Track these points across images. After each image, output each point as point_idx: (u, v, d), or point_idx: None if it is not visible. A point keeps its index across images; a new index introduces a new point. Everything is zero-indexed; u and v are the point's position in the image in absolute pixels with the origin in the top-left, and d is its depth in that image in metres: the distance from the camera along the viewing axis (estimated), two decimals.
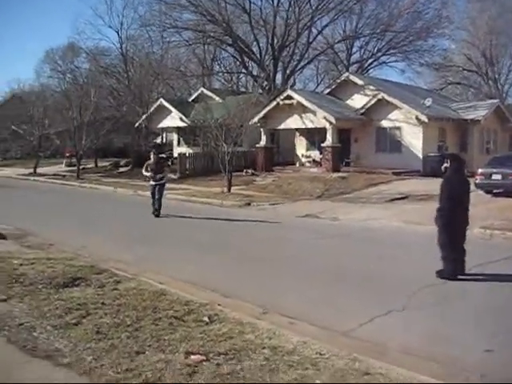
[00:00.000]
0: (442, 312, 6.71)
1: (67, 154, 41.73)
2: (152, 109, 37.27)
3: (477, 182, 17.78)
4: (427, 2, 40.82)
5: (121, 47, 48.28)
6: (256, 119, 28.92)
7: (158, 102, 37.45)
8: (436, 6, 40.97)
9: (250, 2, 36.98)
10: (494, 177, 18.09)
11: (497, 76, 49.65)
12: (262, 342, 5.33)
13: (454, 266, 8.13)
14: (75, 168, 34.61)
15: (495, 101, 33.93)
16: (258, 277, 8.64)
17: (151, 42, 44.19)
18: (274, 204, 18.66)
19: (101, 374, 4.53)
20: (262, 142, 30.64)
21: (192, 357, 4.88)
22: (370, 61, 45.39)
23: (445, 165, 8.57)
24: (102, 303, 6.49)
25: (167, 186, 17.11)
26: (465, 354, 5.37)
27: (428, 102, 27.23)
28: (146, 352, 5.01)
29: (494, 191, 18.21)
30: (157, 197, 15.61)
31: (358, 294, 7.60)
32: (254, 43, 39.43)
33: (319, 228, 13.99)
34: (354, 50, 45.73)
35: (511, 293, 7.56)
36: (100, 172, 36.78)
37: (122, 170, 37.09)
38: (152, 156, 16.24)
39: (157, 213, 15.53)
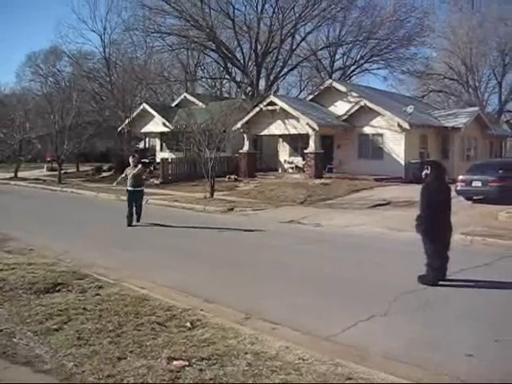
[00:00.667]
0: (424, 317, 6.77)
1: (48, 159, 41.40)
2: (135, 114, 37.12)
3: (457, 188, 17.96)
4: (409, 11, 41.31)
5: (104, 51, 48.26)
6: (239, 125, 28.97)
7: (141, 107, 37.32)
8: (418, 14, 41.51)
9: (234, 8, 37.15)
10: (475, 184, 18.29)
11: (477, 84, 50.33)
12: (245, 347, 5.33)
13: (436, 273, 8.19)
14: (56, 173, 34.34)
15: (475, 109, 34.35)
16: (241, 283, 8.64)
17: (134, 46, 44.29)
18: (256, 210, 18.66)
19: (81, 380, 4.50)
20: (245, 148, 30.67)
21: (174, 362, 4.87)
22: (352, 68, 45.73)
23: (425, 171, 8.64)
24: (84, 309, 6.45)
25: (149, 191, 16.92)
26: (446, 359, 5.41)
27: (410, 109, 27.47)
28: (128, 358, 4.99)
29: (475, 198, 18.40)
30: (135, 205, 14.99)
31: (341, 299, 7.63)
32: (238, 49, 39.52)
33: (302, 234, 14.02)
34: (337, 57, 46.11)
35: (491, 298, 7.63)
36: (82, 177, 36.52)
37: (104, 174, 36.85)
38: (131, 161, 15.67)
39: (137, 218, 15.05)
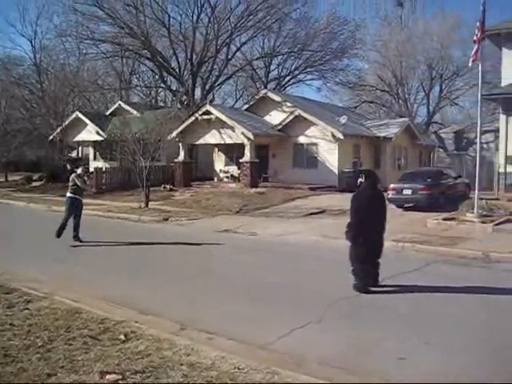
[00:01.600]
0: (357, 323, 6.89)
1: None
2: (67, 122, 36.25)
3: (389, 196, 18.41)
4: (342, 24, 42.48)
5: (34, 57, 46.96)
6: (174, 134, 28.77)
7: (74, 115, 36.49)
8: (350, 28, 42.76)
9: (170, 17, 37.02)
10: (405, 192, 18.88)
11: (407, 96, 52.14)
12: (180, 358, 5.27)
13: (364, 279, 8.35)
14: None
15: (405, 119, 35.61)
16: (176, 293, 8.54)
17: (67, 53, 43.21)
18: (192, 219, 18.54)
19: None
20: (181, 157, 30.50)
21: (107, 376, 4.75)
22: (287, 78, 46.47)
23: (360, 180, 8.83)
24: (11, 324, 6.20)
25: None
26: (379, 363, 5.53)
27: (343, 119, 28.12)
28: (58, 374, 4.83)
29: (405, 206, 18.97)
30: (76, 218, 13.56)
31: (277, 307, 7.67)
32: (173, 58, 39.34)
33: (238, 243, 14.02)
34: (272, 67, 46.78)
35: (420, 302, 7.86)
36: (11, 186, 35.18)
37: (35, 184, 35.70)
38: (81, 169, 14.15)
39: (74, 233, 13.55)
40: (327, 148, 27.87)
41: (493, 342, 6.15)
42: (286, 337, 6.27)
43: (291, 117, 28.80)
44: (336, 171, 27.38)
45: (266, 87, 40.86)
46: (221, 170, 32.19)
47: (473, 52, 15.98)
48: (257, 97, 32.74)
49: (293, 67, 45.56)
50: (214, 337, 6.18)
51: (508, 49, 23.27)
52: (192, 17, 37.47)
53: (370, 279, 8.42)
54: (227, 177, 31.31)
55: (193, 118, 29.45)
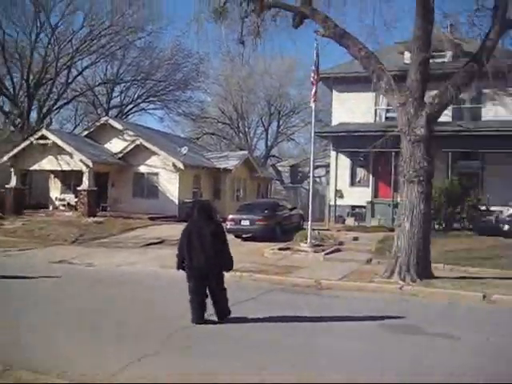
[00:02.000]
0: (194, 354, 6.87)
1: None
2: None
3: (228, 227, 18.82)
4: (186, 56, 43.10)
5: None
6: (6, 158, 27.06)
7: None
8: (194, 60, 43.43)
9: (4, 33, 34.91)
10: (243, 222, 19.45)
11: (247, 130, 54.17)
12: None
13: (197, 311, 8.31)
14: None
15: (245, 152, 36.98)
16: (3, 331, 7.89)
17: None
18: (23, 250, 17.45)
19: None
20: (12, 183, 28.60)
21: None
22: (130, 106, 45.96)
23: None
24: None
25: None
26: None
27: (184, 150, 28.45)
28: None
29: (244, 236, 19.52)
30: None
31: (112, 340, 7.41)
32: (7, 77, 37.07)
33: (73, 274, 13.42)
34: (115, 94, 45.97)
35: (257, 330, 8.04)
36: None
37: None
38: None
39: None
40: (168, 178, 27.93)
41: (318, 361, 6.47)
42: (120, 372, 6.04)
43: (132, 145, 28.49)
44: (176, 201, 27.47)
45: (107, 114, 40.01)
46: (57, 198, 30.72)
47: (312, 93, 17.49)
48: (97, 123, 31.90)
49: (136, 95, 45.31)
50: (39, 376, 5.75)
51: (337, 91, 25.40)
52: (30, 35, 35.73)
53: (203, 310, 8.39)
54: (63, 205, 29.96)
55: (27, 142, 27.90)
